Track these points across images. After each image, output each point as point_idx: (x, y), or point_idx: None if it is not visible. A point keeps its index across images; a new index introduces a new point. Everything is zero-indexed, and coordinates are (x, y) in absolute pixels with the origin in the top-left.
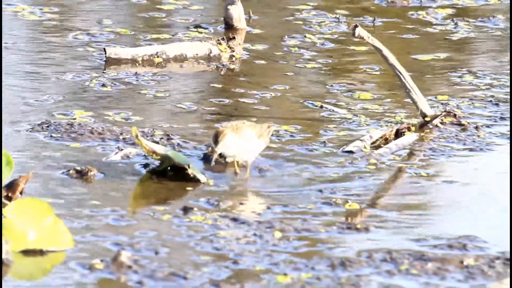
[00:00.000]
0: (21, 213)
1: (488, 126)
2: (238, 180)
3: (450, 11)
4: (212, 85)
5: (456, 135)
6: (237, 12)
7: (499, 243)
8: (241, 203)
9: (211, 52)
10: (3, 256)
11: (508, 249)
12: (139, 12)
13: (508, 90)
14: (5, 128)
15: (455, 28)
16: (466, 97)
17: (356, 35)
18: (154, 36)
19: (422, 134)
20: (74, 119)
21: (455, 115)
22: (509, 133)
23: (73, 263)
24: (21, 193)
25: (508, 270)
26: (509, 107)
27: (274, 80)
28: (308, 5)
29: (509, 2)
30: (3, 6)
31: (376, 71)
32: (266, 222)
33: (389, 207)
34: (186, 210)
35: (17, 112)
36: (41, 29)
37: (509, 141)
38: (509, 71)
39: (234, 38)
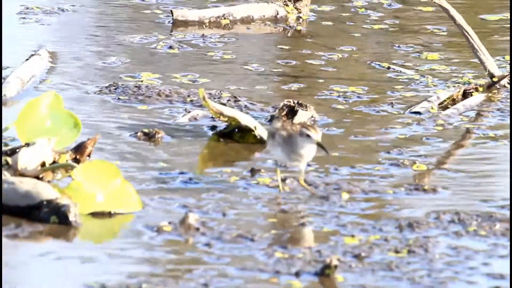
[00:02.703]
0: (89, 175)
1: None
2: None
3: None
4: (279, 46)
5: None
6: None
7: None
8: (308, 165)
9: (278, 13)
10: (72, 218)
11: None
12: None
13: None
14: (73, 90)
15: None
16: None
17: None
18: None
19: (489, 94)
20: (142, 81)
21: None
22: None
23: (141, 226)
24: (89, 155)
25: None
26: None
27: (341, 41)
28: None
29: None
30: None
31: (443, 31)
32: (333, 184)
33: (457, 169)
34: (253, 172)
35: (84, 75)
36: None
37: None
38: None
39: None
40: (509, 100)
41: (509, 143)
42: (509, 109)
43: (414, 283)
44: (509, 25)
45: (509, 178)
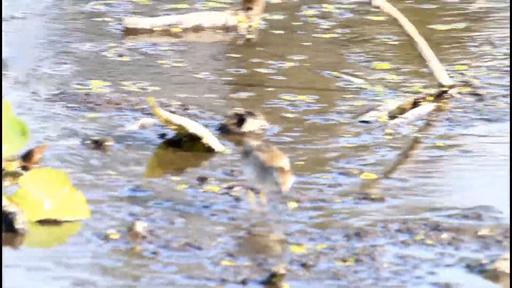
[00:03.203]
0: (37, 182)
1: (505, 96)
2: None
3: None
4: (229, 55)
5: (473, 105)
6: None
7: None
8: None
9: (228, 22)
10: (18, 226)
11: None
12: None
13: None
14: (22, 97)
15: None
16: (483, 66)
17: (373, 4)
18: (172, 6)
19: (439, 104)
20: (91, 89)
21: (472, 85)
22: None
23: (88, 233)
24: (37, 163)
25: None
26: None
27: (291, 50)
28: None
29: None
30: None
31: (394, 41)
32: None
33: (405, 178)
34: (201, 180)
35: (34, 82)
36: None
37: None
38: None
39: (251, 8)
40: (458, 110)
41: (458, 153)
42: (458, 118)
43: None
44: (459, 35)
45: (509, 179)
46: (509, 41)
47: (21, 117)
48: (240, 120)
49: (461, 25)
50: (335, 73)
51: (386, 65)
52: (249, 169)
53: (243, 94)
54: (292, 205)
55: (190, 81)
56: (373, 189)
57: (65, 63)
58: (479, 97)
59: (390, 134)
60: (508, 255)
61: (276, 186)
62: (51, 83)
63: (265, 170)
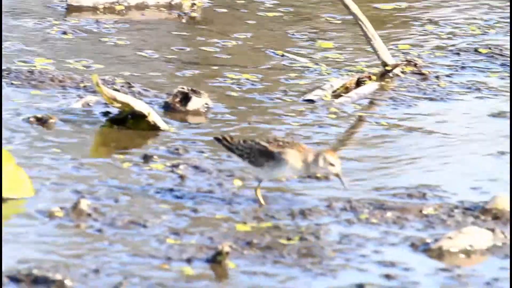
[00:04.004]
0: None
1: (448, 76)
2: (199, 128)
3: None
4: (173, 33)
5: (417, 85)
6: None
7: (459, 193)
8: (202, 152)
9: (172, 0)
10: None
11: (466, 198)
12: None
13: (469, 39)
14: None
15: None
16: (427, 46)
17: None
18: None
19: (383, 83)
20: (35, 66)
21: (415, 64)
22: (469, 83)
23: (33, 211)
24: None
25: (468, 219)
26: (469, 56)
27: (236, 28)
28: None
29: None
30: None
31: (338, 20)
32: (226, 171)
33: (350, 156)
34: (146, 158)
35: None
36: None
37: (468, 91)
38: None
39: None
40: (402, 89)
41: (402, 132)
42: (402, 97)
43: (305, 270)
44: (402, 14)
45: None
46: (452, 21)
47: None
48: (185, 98)
49: (405, 4)
50: (280, 52)
51: (330, 44)
52: (286, 166)
53: (188, 72)
54: (237, 183)
55: (134, 59)
56: None
57: (8, 41)
58: (422, 76)
59: (334, 113)
60: (452, 234)
61: (330, 169)
62: None
63: (314, 159)
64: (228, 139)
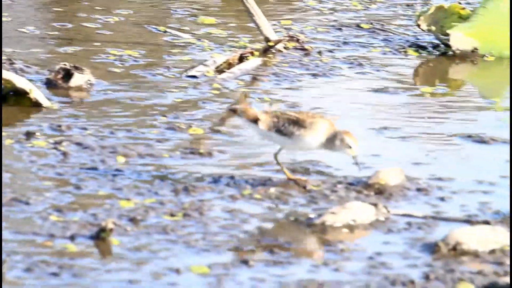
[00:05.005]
0: None
1: (331, 51)
2: (81, 104)
3: None
4: (54, 9)
5: (300, 60)
6: None
7: (342, 168)
8: (85, 128)
9: None
10: None
11: (349, 173)
12: None
13: (351, 14)
14: None
15: None
16: (309, 21)
17: None
18: None
19: (265, 59)
20: None
21: (298, 40)
22: (351, 58)
23: None
24: None
25: (351, 194)
26: (351, 31)
27: (117, 4)
28: None
29: None
30: None
31: None
32: (109, 147)
33: (233, 132)
34: (28, 135)
35: None
36: None
37: (350, 66)
38: None
39: None
40: (285, 64)
41: (285, 107)
42: (285, 73)
43: (189, 246)
44: None
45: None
46: None
47: None
48: (67, 74)
49: None
50: (162, 28)
51: (212, 20)
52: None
53: (70, 49)
54: (121, 160)
55: (15, 35)
56: (201, 144)
57: None
58: (305, 52)
59: (217, 89)
60: (335, 209)
61: (347, 151)
62: None
63: (332, 137)
64: (245, 110)
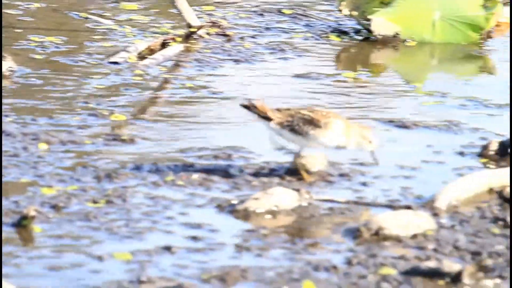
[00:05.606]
0: None
1: (253, 37)
2: (3, 91)
3: None
4: None
5: (222, 46)
6: None
7: (264, 153)
8: (6, 115)
9: None
10: None
11: (271, 159)
12: None
13: (273, 0)
14: None
15: None
16: (231, 7)
17: None
18: None
19: (188, 45)
20: None
21: (220, 26)
22: (273, 44)
23: None
24: None
25: (273, 180)
26: (273, 17)
27: None
28: None
29: None
30: None
31: None
32: (31, 134)
33: (155, 119)
34: None
35: None
36: None
37: (272, 52)
38: None
39: None
40: (207, 51)
41: (207, 93)
42: (207, 59)
43: (112, 233)
44: None
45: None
46: None
47: None
48: None
49: None
50: (83, 14)
51: (134, 5)
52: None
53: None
54: (42, 147)
55: None
56: (124, 130)
57: None
58: (227, 37)
59: (140, 75)
60: (257, 195)
61: (366, 146)
62: None
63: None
64: (258, 106)
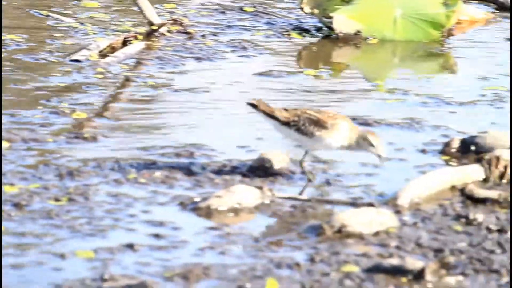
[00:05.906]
0: None
1: (214, 35)
2: None
3: None
4: None
5: (183, 44)
6: None
7: (227, 151)
8: None
9: None
10: None
11: (234, 157)
12: None
13: None
14: None
15: None
16: (192, 5)
17: None
18: None
19: (149, 43)
20: None
21: (181, 24)
22: (235, 41)
23: None
24: None
25: (236, 177)
26: (234, 14)
27: None
28: None
29: None
30: None
31: None
32: None
33: (117, 117)
34: None
35: None
36: None
37: (234, 50)
38: None
39: None
40: (168, 48)
41: (169, 91)
42: (169, 57)
43: (74, 231)
44: None
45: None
46: None
47: None
48: None
49: None
50: (44, 12)
51: (95, 3)
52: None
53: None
54: (4, 145)
55: None
56: (85, 128)
57: None
58: (188, 35)
59: (101, 73)
60: (220, 192)
61: (370, 150)
62: None
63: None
64: (262, 104)
